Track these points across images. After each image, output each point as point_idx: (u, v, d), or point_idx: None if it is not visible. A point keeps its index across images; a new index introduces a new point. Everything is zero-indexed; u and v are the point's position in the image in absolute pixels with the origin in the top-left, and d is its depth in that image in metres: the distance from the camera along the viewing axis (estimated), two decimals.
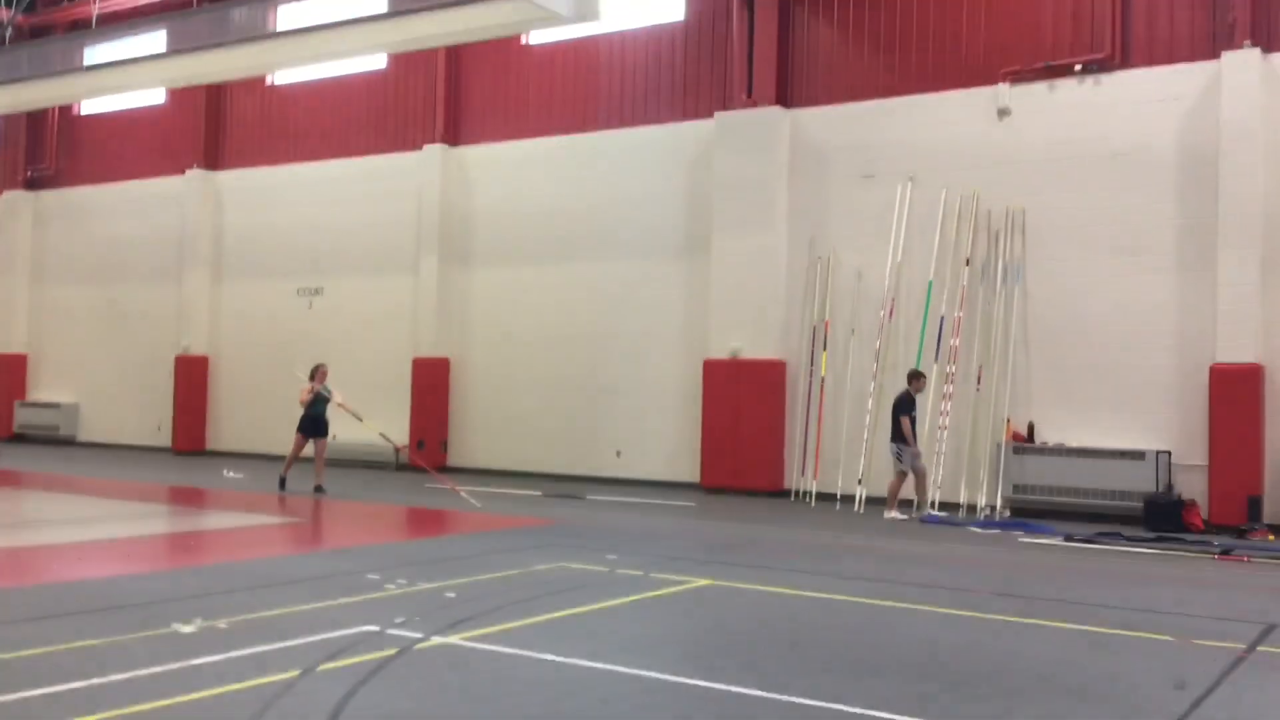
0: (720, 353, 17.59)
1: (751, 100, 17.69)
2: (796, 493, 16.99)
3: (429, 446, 20.43)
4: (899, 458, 14.84)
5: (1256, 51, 14.24)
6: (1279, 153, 14.19)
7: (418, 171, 21.27)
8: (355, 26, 19.51)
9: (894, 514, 14.66)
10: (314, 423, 16.33)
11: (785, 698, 5.75)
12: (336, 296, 22.35)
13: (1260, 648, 7.21)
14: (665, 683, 6.02)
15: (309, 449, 16.46)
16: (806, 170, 17.47)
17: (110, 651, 6.36)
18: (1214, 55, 14.55)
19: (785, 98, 17.73)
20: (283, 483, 16.31)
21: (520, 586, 8.77)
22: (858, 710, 5.52)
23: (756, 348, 17.34)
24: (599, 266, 19.38)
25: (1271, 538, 13.17)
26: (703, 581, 9.25)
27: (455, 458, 20.62)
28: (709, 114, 18.24)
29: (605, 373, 19.17)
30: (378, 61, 22.08)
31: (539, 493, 16.94)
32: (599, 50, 19.73)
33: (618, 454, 18.85)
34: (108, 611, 7.49)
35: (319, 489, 15.97)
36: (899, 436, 14.80)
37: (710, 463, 17.53)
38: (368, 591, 8.39)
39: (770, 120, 17.56)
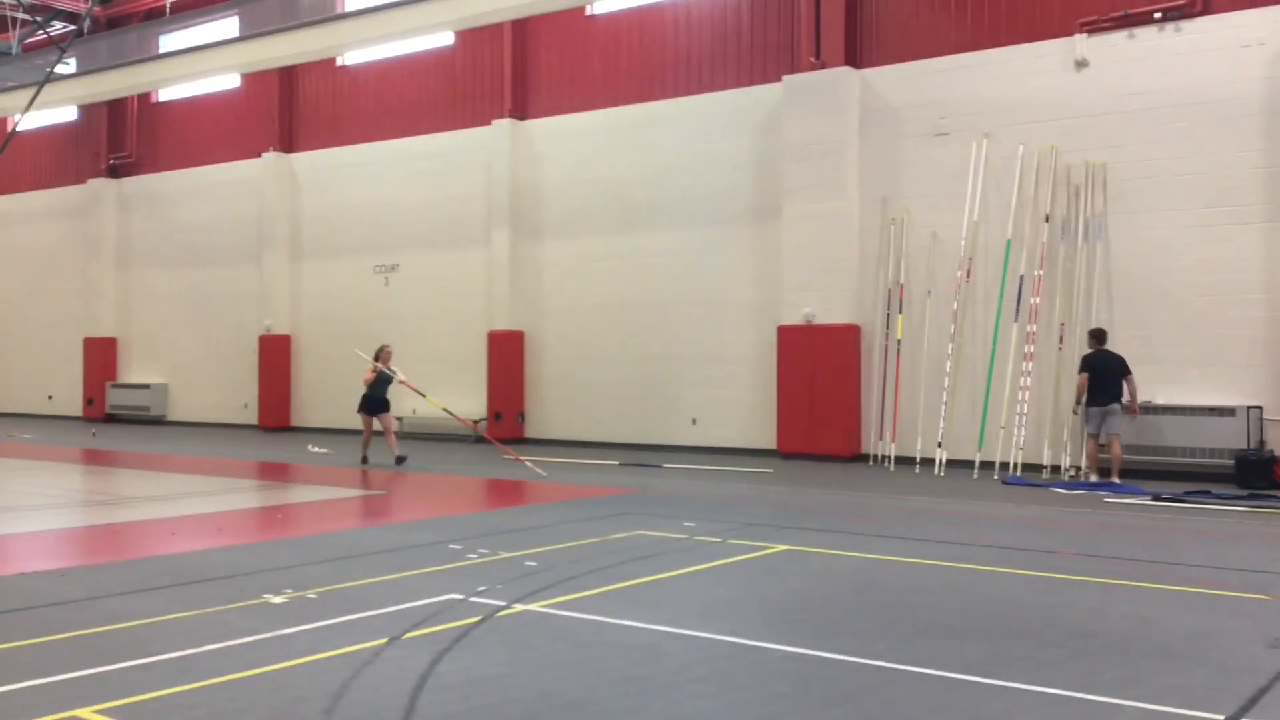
0: (793, 318, 17.48)
1: (820, 62, 17.45)
2: (874, 457, 16.87)
3: (506, 419, 20.67)
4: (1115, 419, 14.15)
5: None
6: None
7: (487, 146, 21.41)
8: (421, 4, 19.70)
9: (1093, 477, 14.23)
10: (373, 402, 16.74)
11: (868, 661, 5.74)
12: (412, 273, 22.66)
13: None
14: (747, 647, 6.04)
15: (377, 425, 16.85)
16: (877, 131, 17.22)
17: (204, 622, 6.57)
18: None
19: (854, 58, 17.47)
20: (364, 460, 16.76)
21: (599, 554, 8.85)
22: (942, 673, 5.49)
23: (830, 312, 17.20)
24: (669, 235, 19.34)
25: None
26: (781, 547, 9.25)
27: (532, 429, 20.83)
28: (777, 78, 18.06)
29: (678, 341, 19.17)
30: (445, 39, 22.24)
31: (616, 462, 17.04)
32: (663, 17, 19.62)
33: (693, 422, 18.89)
34: (201, 584, 7.73)
35: (400, 459, 16.25)
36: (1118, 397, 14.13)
37: (786, 429, 17.47)
38: (450, 561, 8.53)
39: (839, 81, 17.31)
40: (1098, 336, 14.30)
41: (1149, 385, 14.76)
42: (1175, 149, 14.87)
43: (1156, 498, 12.52)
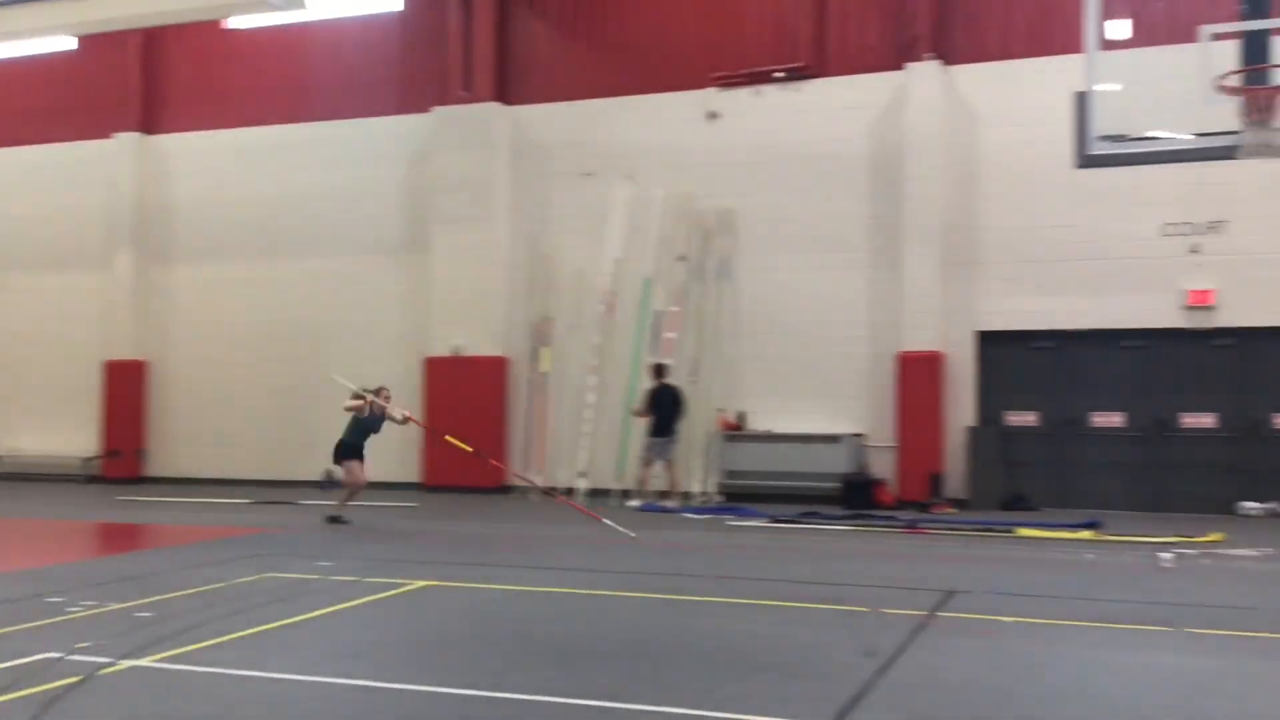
0: (442, 350, 17.38)
1: (470, 95, 17.55)
2: (520, 488, 17.02)
3: (124, 456, 19.04)
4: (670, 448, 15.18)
5: (936, 64, 15.47)
6: (958, 158, 15.49)
7: (109, 160, 19.76)
8: (38, 5, 17.89)
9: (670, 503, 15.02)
10: (353, 448, 13.39)
11: (498, 694, 5.72)
12: (16, 294, 20.43)
13: (940, 613, 7.84)
14: (377, 690, 5.86)
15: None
16: (528, 167, 17.53)
17: None
18: (899, 66, 15.70)
19: (505, 94, 17.71)
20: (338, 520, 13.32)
21: (224, 600, 8.30)
22: (571, 701, 5.57)
23: (479, 344, 17.25)
24: (315, 263, 18.67)
25: (951, 511, 14.43)
26: (420, 583, 9.09)
27: (157, 467, 19.35)
28: (427, 108, 17.95)
29: (322, 372, 18.47)
30: (67, 43, 20.33)
31: (248, 500, 16.14)
32: (311, 39, 19.01)
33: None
34: None
35: (336, 520, 13.22)
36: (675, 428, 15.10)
37: (433, 461, 17.28)
38: (49, 616, 7.68)
39: (489, 116, 17.48)
40: (659, 371, 15.27)
41: (772, 415, 15.93)
42: (794, 198, 16.20)
43: (773, 520, 13.47)
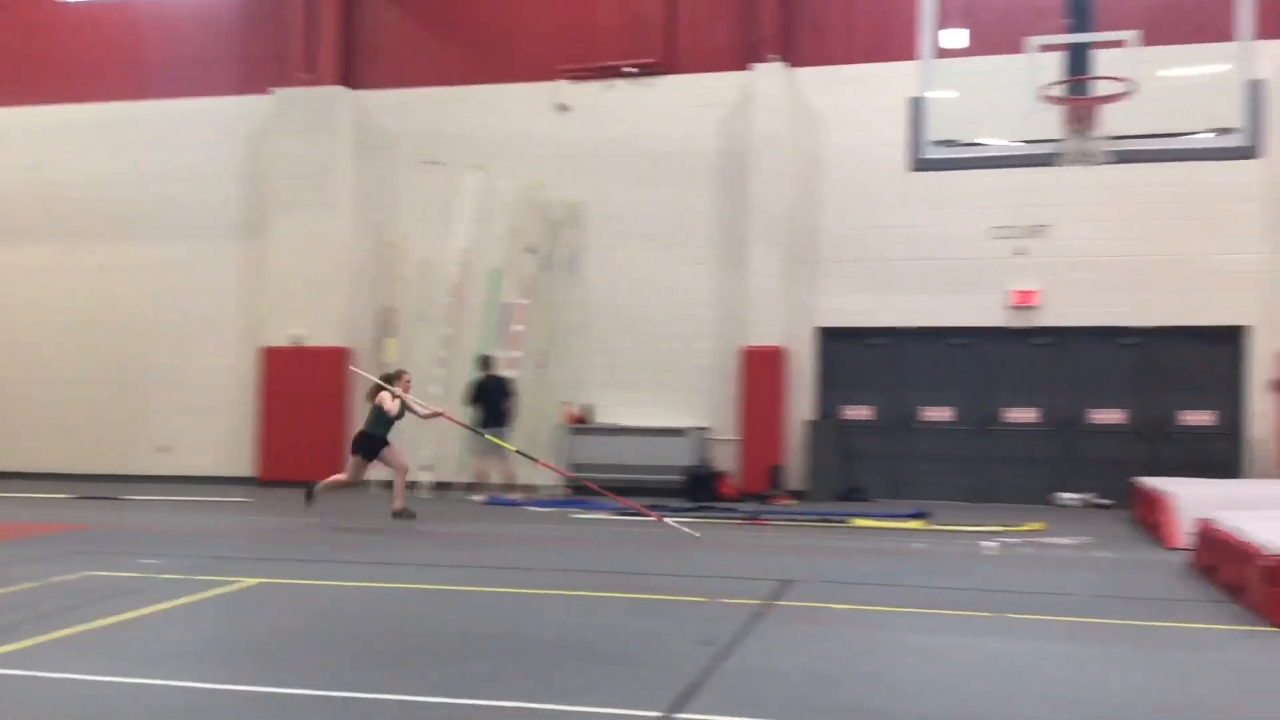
0: (280, 340, 16.86)
1: (313, 78, 17.07)
2: (361, 482, 16.61)
3: None
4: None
5: (781, 65, 15.80)
6: (802, 159, 15.86)
7: None
8: None
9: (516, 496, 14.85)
10: (376, 441, 12.29)
11: (334, 693, 5.57)
12: None
13: (776, 602, 8.02)
14: (204, 691, 5.63)
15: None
16: (373, 154, 17.15)
17: None
18: (746, 67, 15.98)
19: (350, 78, 17.29)
20: (311, 495, 12.58)
21: (39, 600, 7.85)
22: (406, 697, 5.47)
23: (319, 334, 16.80)
24: (144, 248, 17.86)
25: (790, 502, 14.80)
26: (253, 581, 8.79)
27: None
28: (267, 89, 17.36)
29: (149, 362, 17.71)
30: None
31: (67, 495, 15.33)
32: (144, 11, 18.15)
33: (161, 449, 17.48)
34: None
35: (405, 514, 12.28)
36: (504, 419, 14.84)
37: (269, 455, 16.78)
38: None
39: (333, 100, 17.04)
40: (485, 363, 15.23)
41: (618, 408, 16.03)
42: (644, 193, 16.31)
43: (618, 513, 13.53)
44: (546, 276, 16.45)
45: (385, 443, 12.27)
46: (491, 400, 14.99)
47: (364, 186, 17.15)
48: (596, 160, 16.46)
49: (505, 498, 14.90)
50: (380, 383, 12.25)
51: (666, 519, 12.28)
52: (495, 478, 15.15)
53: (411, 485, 15.77)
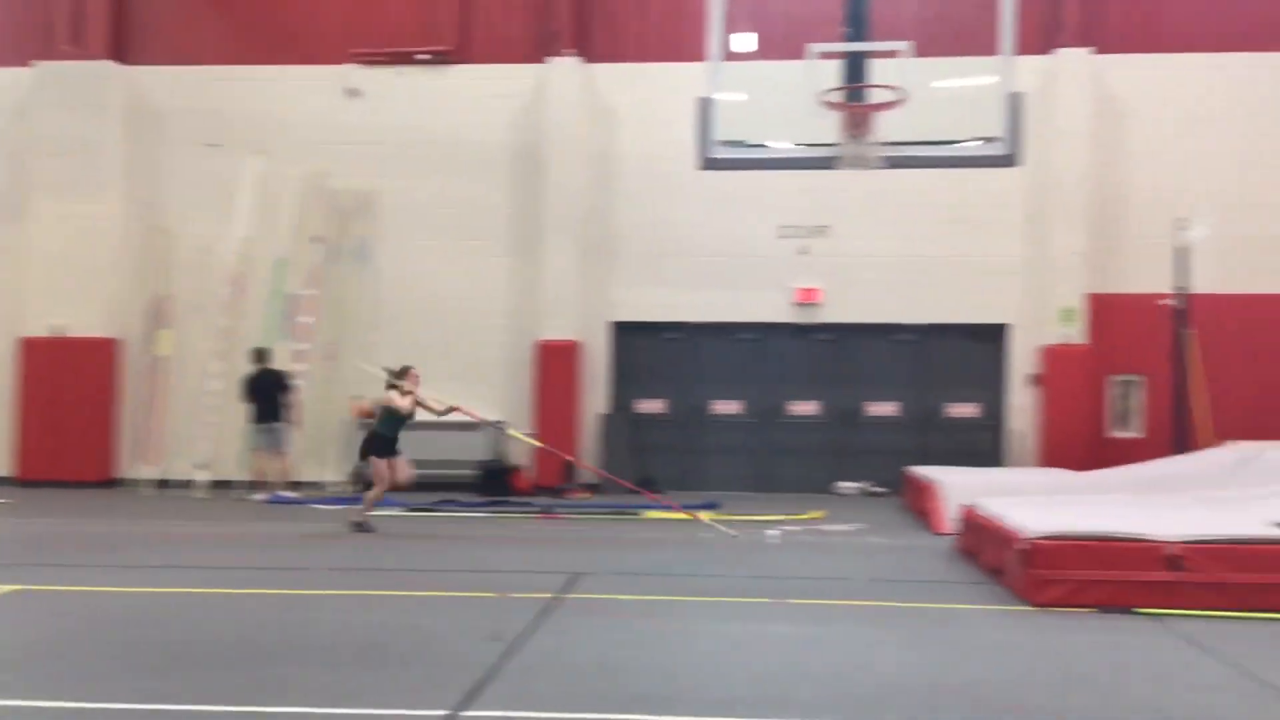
0: (40, 330, 15.73)
1: (79, 51, 15.98)
2: (131, 481, 15.72)
3: None
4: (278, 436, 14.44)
5: (576, 60, 15.83)
6: (596, 154, 15.94)
7: None
8: None
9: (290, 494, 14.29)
10: (387, 442, 11.48)
11: (109, 705, 5.21)
12: None
13: (566, 595, 8.03)
14: None
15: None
16: (146, 134, 16.21)
17: None
18: (541, 59, 15.94)
19: (121, 52, 16.28)
20: (363, 526, 11.44)
21: None
22: (180, 708, 5.19)
23: (84, 325, 15.75)
24: None
25: (584, 495, 14.89)
26: (9, 588, 8.15)
27: None
28: (27, 61, 16.13)
29: None
30: None
31: None
32: None
33: None
34: None
35: (362, 527, 11.38)
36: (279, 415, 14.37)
37: (28, 453, 15.64)
38: None
39: (101, 74, 16.02)
40: (259, 355, 14.81)
41: None
42: (438, 183, 16.05)
43: (409, 508, 13.29)
44: (335, 267, 15.96)
45: (391, 447, 11.46)
46: (267, 395, 14.46)
47: (135, 168, 16.17)
48: (388, 148, 16.08)
49: (288, 496, 14.37)
50: (396, 381, 11.46)
51: (704, 518, 11.80)
52: (274, 475, 14.60)
53: (187, 484, 15.06)
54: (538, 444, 13.86)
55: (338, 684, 5.64)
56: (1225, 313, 14.57)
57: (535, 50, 16.05)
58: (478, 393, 15.75)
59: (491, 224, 16.04)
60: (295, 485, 14.73)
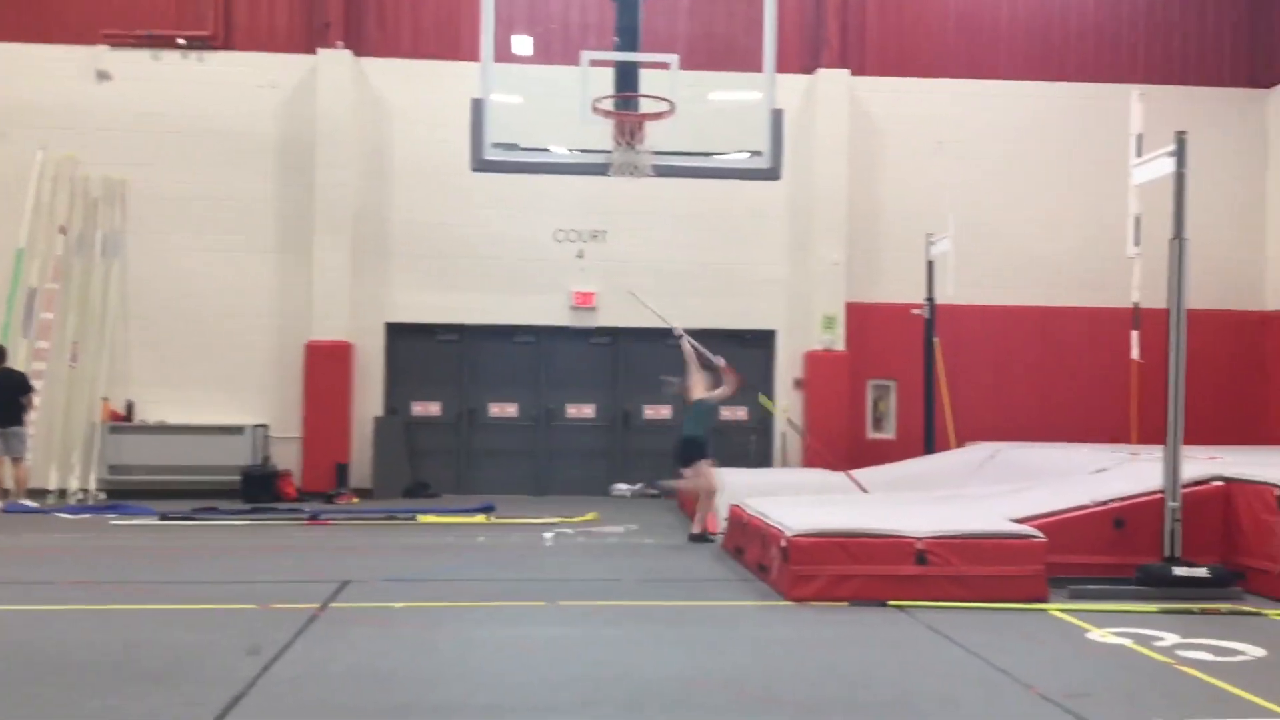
0: None
1: None
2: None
3: None
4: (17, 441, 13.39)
5: (348, 53, 15.41)
6: (370, 150, 15.56)
7: None
8: None
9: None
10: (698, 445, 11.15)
11: None
12: None
13: (333, 604, 7.80)
14: None
15: None
16: None
17: None
18: (311, 50, 15.42)
19: None
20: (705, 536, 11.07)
21: None
22: None
23: None
24: None
25: (355, 501, 14.52)
26: None
27: None
28: None
29: None
30: None
31: None
32: None
33: None
34: None
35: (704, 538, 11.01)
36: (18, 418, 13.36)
37: None
38: None
39: None
40: None
41: (166, 405, 14.90)
42: (198, 174, 15.27)
43: (164, 517, 12.58)
44: (82, 259, 14.93)
45: (703, 448, 11.16)
46: (4, 397, 13.35)
47: None
48: (143, 136, 15.17)
49: (27, 505, 13.34)
50: (711, 359, 11.07)
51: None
52: (13, 483, 13.53)
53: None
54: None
55: (79, 703, 5.30)
56: (968, 322, 15.65)
57: (305, 41, 15.51)
58: (242, 397, 15.15)
59: (258, 219, 15.39)
60: (35, 493, 13.67)
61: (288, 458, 15.03)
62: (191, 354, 15.12)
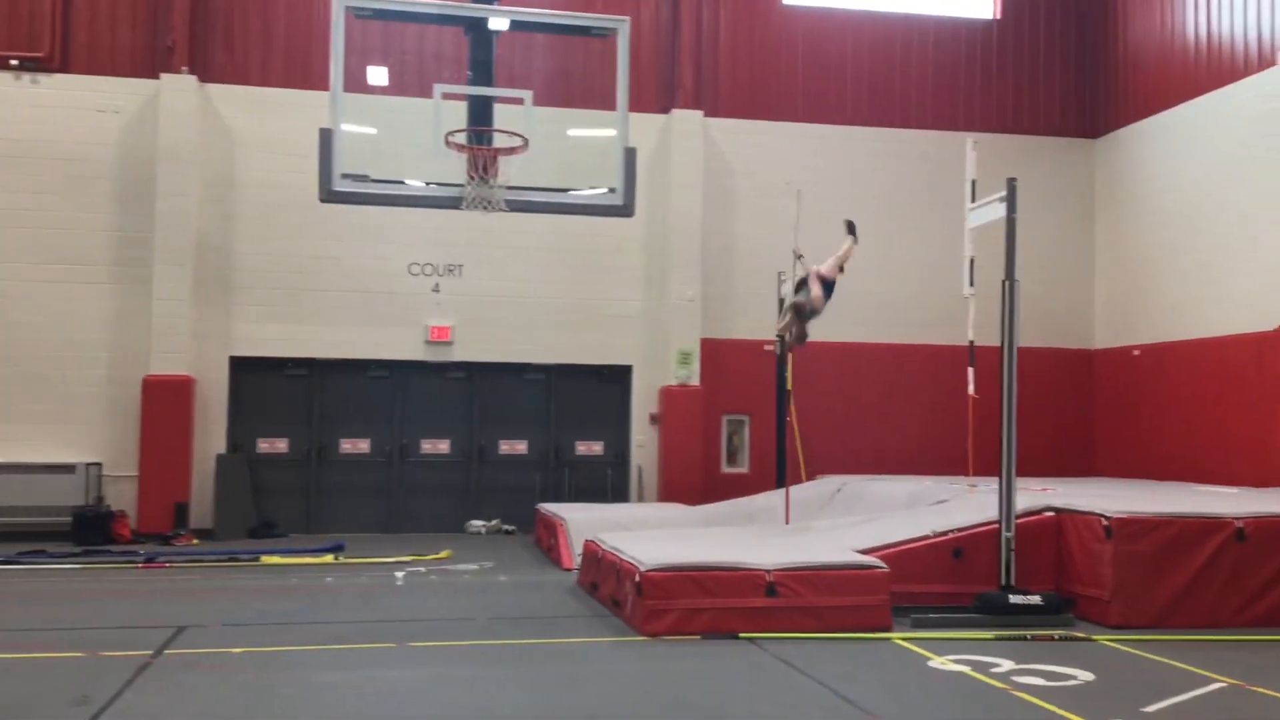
0: None
1: None
2: None
3: None
4: None
5: (193, 79, 14.93)
6: (215, 179, 15.08)
7: None
8: None
9: None
10: None
11: None
12: None
13: (167, 651, 7.46)
14: None
15: None
16: None
17: None
18: (154, 75, 14.91)
19: None
20: None
21: None
22: None
23: None
24: None
25: (195, 542, 13.93)
26: None
27: None
28: None
29: None
30: None
31: None
32: None
33: None
34: None
35: None
36: None
37: None
38: None
39: None
40: None
41: None
42: (28, 201, 14.55)
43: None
44: None
45: None
46: None
47: None
48: None
49: None
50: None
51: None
52: None
53: None
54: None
55: None
56: (818, 358, 16.03)
57: (148, 65, 14.96)
58: (72, 434, 14.42)
59: (92, 247, 14.72)
60: None
61: (124, 498, 14.34)
62: (21, 387, 14.33)
